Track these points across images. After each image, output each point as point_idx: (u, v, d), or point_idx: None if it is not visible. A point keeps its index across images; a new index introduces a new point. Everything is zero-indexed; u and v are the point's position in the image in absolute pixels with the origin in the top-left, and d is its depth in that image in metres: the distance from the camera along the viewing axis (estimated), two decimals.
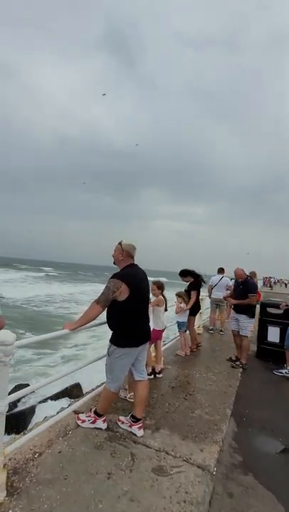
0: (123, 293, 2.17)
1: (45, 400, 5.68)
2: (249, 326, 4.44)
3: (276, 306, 4.92)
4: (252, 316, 4.50)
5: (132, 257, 2.38)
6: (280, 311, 4.93)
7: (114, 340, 2.28)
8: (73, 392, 5.84)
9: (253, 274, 6.47)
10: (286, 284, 35.97)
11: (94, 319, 2.19)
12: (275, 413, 3.04)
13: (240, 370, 4.21)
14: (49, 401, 5.64)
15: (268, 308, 5.04)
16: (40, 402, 5.64)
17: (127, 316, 2.25)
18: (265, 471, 2.13)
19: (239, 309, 4.52)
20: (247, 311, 4.45)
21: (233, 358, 4.55)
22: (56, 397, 5.74)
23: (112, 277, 2.21)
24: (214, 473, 2.02)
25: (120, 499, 1.70)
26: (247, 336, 4.43)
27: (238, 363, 4.39)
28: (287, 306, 4.63)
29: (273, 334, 4.71)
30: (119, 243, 2.35)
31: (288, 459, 2.31)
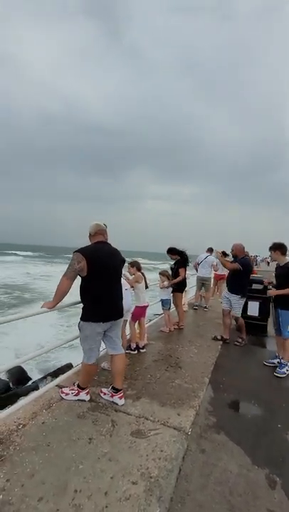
0: (85, 267, 2.22)
1: (37, 382, 5.82)
2: (240, 306, 4.34)
3: (260, 282, 5.10)
4: (244, 295, 4.34)
5: (98, 235, 2.43)
6: (261, 287, 5.14)
7: (82, 315, 2.36)
8: (65, 372, 5.97)
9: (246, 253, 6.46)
10: (268, 263, 37.87)
11: (66, 292, 2.25)
12: (250, 380, 3.25)
13: (221, 342, 4.41)
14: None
15: (253, 285, 5.18)
16: (33, 383, 5.78)
17: (91, 292, 2.31)
18: (236, 430, 2.31)
19: (232, 289, 4.36)
20: (239, 291, 4.31)
21: (218, 338, 4.52)
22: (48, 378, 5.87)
23: (74, 252, 2.27)
24: (189, 433, 2.19)
25: (100, 460, 1.83)
26: (239, 316, 4.39)
27: (240, 340, 4.38)
28: (269, 283, 4.36)
29: (253, 308, 4.92)
30: None
31: (258, 419, 2.51)
